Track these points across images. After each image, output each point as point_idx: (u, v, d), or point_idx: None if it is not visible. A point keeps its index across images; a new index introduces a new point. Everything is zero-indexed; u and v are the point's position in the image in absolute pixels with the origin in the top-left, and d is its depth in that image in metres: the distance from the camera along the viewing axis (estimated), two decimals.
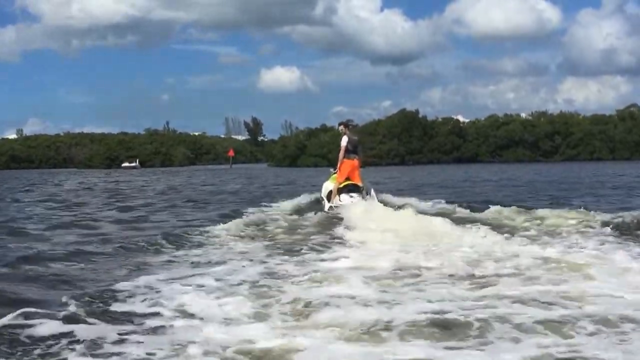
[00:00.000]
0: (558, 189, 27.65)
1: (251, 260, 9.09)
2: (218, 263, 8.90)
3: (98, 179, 54.48)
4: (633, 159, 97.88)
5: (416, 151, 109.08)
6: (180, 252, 10.07)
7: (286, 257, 9.28)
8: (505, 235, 10.86)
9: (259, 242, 11.20)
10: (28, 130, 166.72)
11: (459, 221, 12.96)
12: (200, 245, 10.84)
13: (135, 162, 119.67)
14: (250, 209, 16.66)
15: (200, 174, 69.84)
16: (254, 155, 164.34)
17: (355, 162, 16.66)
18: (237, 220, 13.82)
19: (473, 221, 13.14)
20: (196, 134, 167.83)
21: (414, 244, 10.17)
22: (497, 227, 12.20)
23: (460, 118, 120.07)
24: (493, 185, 32.56)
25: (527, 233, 11.49)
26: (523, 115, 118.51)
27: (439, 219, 12.58)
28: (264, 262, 8.86)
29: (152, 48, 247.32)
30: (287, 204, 18.48)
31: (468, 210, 15.35)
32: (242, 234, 12.23)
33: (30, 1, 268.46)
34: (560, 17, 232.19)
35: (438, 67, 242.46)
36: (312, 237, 11.44)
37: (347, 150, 16.46)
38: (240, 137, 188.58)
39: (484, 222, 12.79)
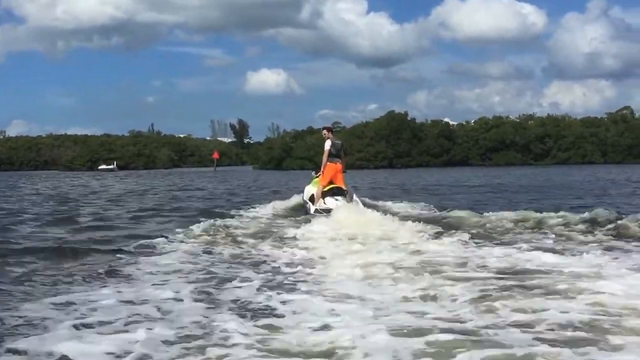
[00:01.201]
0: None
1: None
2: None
3: (64, 183, 51.42)
4: (625, 163, 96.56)
5: (405, 154, 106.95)
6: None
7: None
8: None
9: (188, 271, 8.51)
10: (12, 132, 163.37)
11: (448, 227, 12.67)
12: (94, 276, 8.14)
13: (113, 164, 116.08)
14: (203, 220, 14.08)
15: (177, 176, 67.04)
16: (240, 158, 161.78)
17: (338, 165, 16.79)
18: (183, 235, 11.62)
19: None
20: (181, 136, 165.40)
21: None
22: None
23: (447, 121, 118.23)
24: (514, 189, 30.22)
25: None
26: (511, 118, 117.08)
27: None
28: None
29: (138, 50, 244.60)
30: (262, 210, 17.55)
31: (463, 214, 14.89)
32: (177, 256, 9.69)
33: (15, 3, 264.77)
34: (545, 21, 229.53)
35: (424, 70, 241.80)
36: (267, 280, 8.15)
37: (330, 154, 16.67)
38: (226, 140, 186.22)
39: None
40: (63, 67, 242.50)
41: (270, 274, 8.23)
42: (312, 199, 16.55)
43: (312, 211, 15.89)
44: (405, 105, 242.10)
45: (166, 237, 11.53)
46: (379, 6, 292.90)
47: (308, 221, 13.91)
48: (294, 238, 11.59)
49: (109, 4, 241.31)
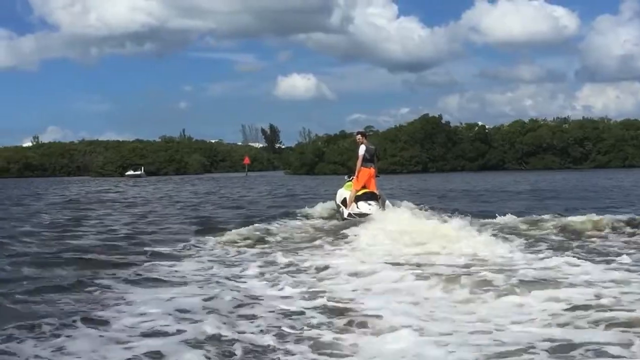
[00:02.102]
0: None
1: None
2: None
3: (87, 190, 50.25)
4: None
5: (439, 158, 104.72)
6: None
7: None
8: None
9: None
10: (46, 138, 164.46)
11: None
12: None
13: (140, 170, 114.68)
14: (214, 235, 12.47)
15: (204, 182, 65.45)
16: (271, 163, 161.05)
17: (372, 170, 16.97)
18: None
19: None
20: (213, 141, 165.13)
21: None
22: None
23: (483, 124, 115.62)
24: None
25: None
26: (547, 120, 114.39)
27: None
28: None
29: (169, 56, 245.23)
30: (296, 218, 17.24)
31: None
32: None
33: (49, 10, 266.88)
34: (577, 24, 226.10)
35: (455, 74, 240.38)
36: None
37: (364, 159, 16.89)
38: (257, 145, 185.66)
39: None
40: (96, 73, 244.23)
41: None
42: (344, 202, 16.83)
43: (345, 215, 16.29)
44: (437, 109, 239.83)
45: (168, 256, 9.93)
46: (409, 10, 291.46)
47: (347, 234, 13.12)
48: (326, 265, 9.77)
49: (141, 10, 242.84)
